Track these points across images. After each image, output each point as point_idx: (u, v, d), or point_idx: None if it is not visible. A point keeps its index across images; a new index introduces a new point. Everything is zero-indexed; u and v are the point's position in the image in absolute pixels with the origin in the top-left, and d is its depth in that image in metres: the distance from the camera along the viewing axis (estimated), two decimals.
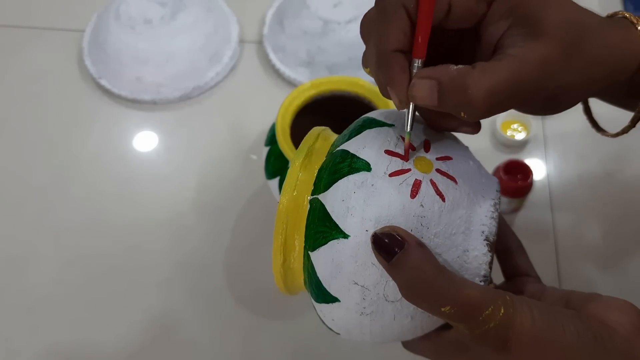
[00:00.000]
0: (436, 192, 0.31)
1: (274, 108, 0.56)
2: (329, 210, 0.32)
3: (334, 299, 0.33)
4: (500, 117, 0.66)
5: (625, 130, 0.38)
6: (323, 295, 0.33)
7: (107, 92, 0.71)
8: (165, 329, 0.57)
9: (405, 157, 0.32)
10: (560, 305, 0.35)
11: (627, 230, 0.61)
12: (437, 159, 0.33)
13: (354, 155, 0.32)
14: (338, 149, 0.34)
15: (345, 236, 0.31)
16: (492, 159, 0.63)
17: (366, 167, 0.32)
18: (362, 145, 0.33)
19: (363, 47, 0.33)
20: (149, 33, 0.70)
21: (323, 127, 0.39)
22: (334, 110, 0.57)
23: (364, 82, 0.56)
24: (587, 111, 0.41)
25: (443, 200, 0.31)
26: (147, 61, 0.70)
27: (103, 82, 0.71)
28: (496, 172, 0.60)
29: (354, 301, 0.32)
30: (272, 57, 0.72)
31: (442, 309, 0.29)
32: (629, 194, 0.63)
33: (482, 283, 0.32)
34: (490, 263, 0.32)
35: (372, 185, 0.31)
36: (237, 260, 0.60)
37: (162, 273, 0.60)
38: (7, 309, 0.58)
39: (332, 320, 0.34)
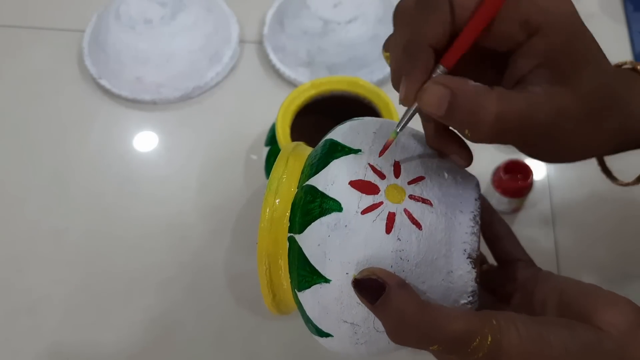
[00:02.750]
0: (412, 221, 0.31)
1: (274, 108, 0.56)
2: (306, 255, 0.31)
3: (327, 334, 0.33)
4: None
5: (639, 181, 0.37)
6: (316, 330, 0.33)
7: (107, 92, 0.71)
8: (166, 329, 0.57)
9: (383, 176, 0.32)
10: (555, 296, 0.34)
11: (628, 231, 0.61)
12: (409, 182, 0.32)
13: (323, 194, 0.31)
14: (307, 183, 0.33)
15: (327, 280, 0.31)
16: (492, 159, 0.63)
17: (337, 207, 0.31)
18: (331, 181, 0.32)
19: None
20: (149, 33, 0.70)
21: (294, 144, 0.38)
22: (334, 110, 0.57)
23: (364, 82, 0.56)
24: (601, 160, 0.40)
25: (420, 228, 0.31)
26: (147, 61, 0.70)
27: (103, 82, 0.71)
28: (496, 172, 0.60)
29: (347, 335, 0.32)
30: (272, 57, 0.72)
31: (431, 348, 0.29)
32: (630, 194, 0.63)
33: (470, 298, 0.32)
34: (477, 278, 0.32)
35: (346, 226, 0.30)
36: (237, 260, 0.60)
37: (162, 273, 0.60)
38: (7, 309, 0.58)
39: (329, 347, 0.34)
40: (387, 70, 0.70)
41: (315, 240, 0.31)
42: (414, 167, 0.33)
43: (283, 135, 0.53)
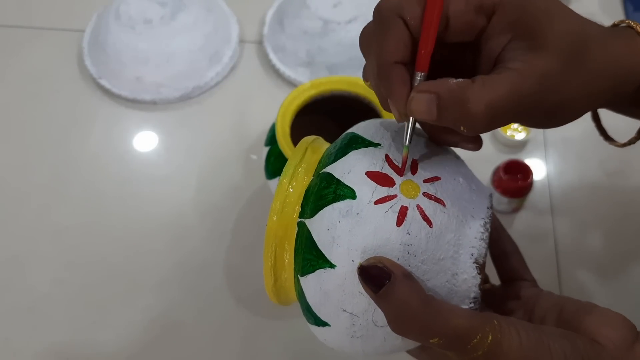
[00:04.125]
0: (423, 218, 0.31)
1: (274, 108, 0.56)
2: (315, 239, 0.32)
3: (325, 323, 0.33)
4: None
5: (631, 141, 0.37)
6: (314, 319, 0.33)
7: (107, 92, 0.71)
8: (165, 329, 0.57)
9: (401, 172, 0.32)
10: (554, 313, 0.35)
11: (627, 230, 0.61)
12: (425, 181, 0.32)
13: (339, 181, 0.32)
14: (324, 171, 0.33)
15: (332, 266, 0.31)
16: (492, 159, 0.63)
17: (351, 194, 0.31)
18: (348, 170, 0.32)
19: None
20: (149, 33, 0.70)
21: (313, 137, 0.38)
22: (334, 110, 0.57)
23: (364, 82, 0.56)
24: (596, 119, 0.41)
25: (430, 226, 0.31)
26: (147, 61, 0.70)
27: (103, 82, 0.71)
28: (496, 172, 0.60)
29: (344, 326, 0.32)
30: (272, 57, 0.72)
31: (431, 340, 0.29)
32: (629, 194, 0.63)
33: (472, 305, 0.32)
34: (480, 284, 0.32)
35: (358, 214, 0.31)
36: (237, 260, 0.60)
37: (162, 273, 0.60)
38: (7, 309, 0.58)
39: (324, 339, 0.34)
40: None
41: (326, 224, 0.31)
42: (431, 167, 0.33)
43: (283, 135, 0.53)
